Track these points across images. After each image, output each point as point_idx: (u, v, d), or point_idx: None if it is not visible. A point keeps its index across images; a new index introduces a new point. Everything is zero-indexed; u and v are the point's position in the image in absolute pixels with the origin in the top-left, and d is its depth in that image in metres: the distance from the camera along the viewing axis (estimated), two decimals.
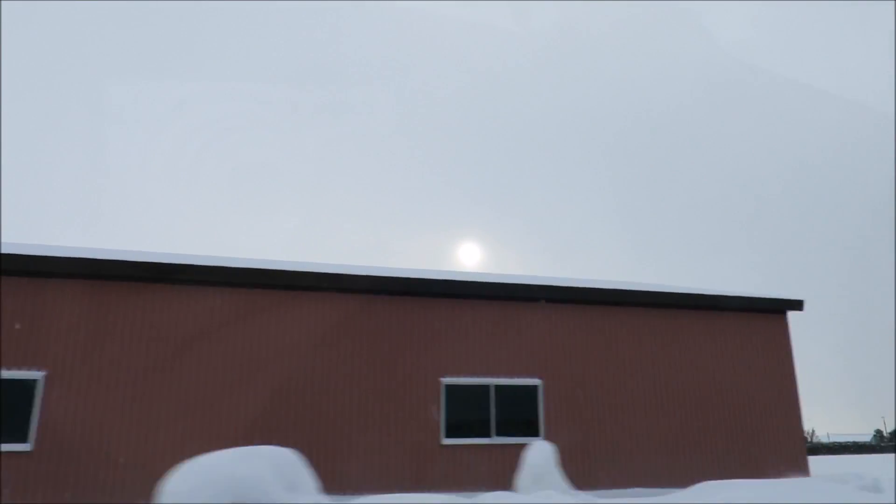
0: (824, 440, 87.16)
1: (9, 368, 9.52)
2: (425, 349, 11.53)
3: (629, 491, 11.63)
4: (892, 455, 72.28)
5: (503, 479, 11.19)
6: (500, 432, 11.40)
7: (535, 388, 11.92)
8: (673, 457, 12.51)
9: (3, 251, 9.86)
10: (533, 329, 12.26)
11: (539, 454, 7.21)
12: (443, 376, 11.47)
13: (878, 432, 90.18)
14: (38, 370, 9.66)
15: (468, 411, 11.30)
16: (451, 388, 11.39)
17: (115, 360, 10.08)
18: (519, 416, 11.58)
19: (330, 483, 10.45)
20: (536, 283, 12.42)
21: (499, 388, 11.63)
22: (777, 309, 14.12)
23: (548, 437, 11.79)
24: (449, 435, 11.18)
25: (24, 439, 9.34)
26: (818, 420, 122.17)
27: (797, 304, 14.20)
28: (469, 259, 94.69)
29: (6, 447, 9.26)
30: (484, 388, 11.53)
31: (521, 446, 11.50)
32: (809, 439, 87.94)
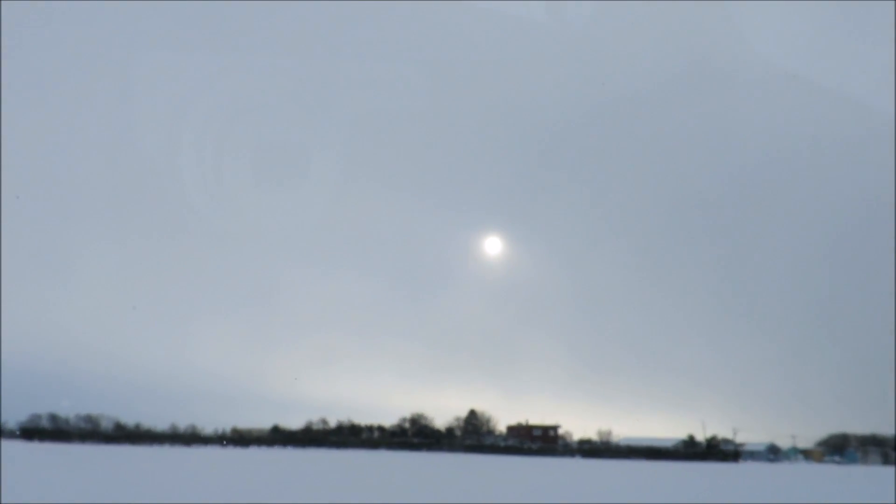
0: (622, 442, 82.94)
1: None
2: None
3: None
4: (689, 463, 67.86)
5: None
6: None
7: None
8: None
9: None
10: None
11: None
12: None
13: (690, 437, 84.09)
14: None
15: None
16: None
17: None
18: None
19: None
20: None
21: None
22: None
23: None
24: None
25: None
26: (621, 419, 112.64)
27: None
28: (492, 250, 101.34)
29: None
30: None
31: None
32: (604, 439, 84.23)
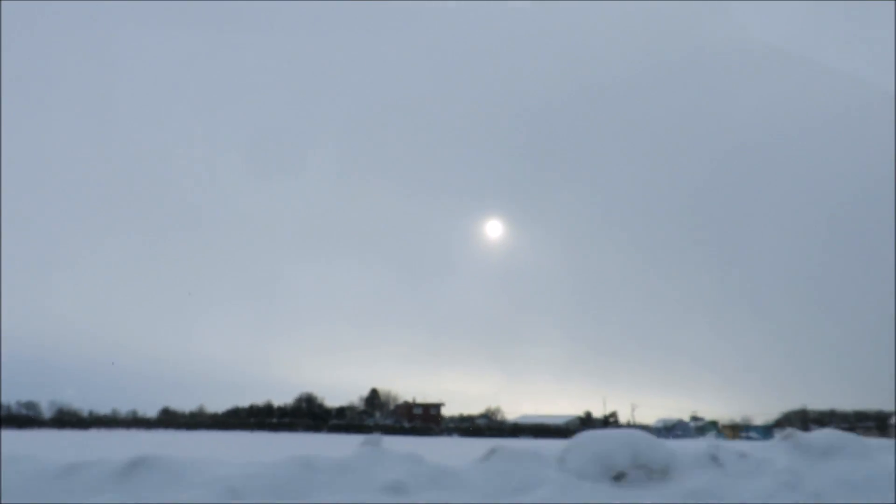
0: (514, 420, 76.93)
1: None
2: None
3: None
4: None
5: None
6: None
7: None
8: None
9: None
10: None
11: None
12: None
13: (587, 414, 77.32)
14: None
15: None
16: None
17: None
18: None
19: None
20: None
21: None
22: None
23: None
24: None
25: None
26: (520, 398, 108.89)
27: None
28: (493, 234, 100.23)
29: None
30: None
31: None
32: (494, 418, 78.39)
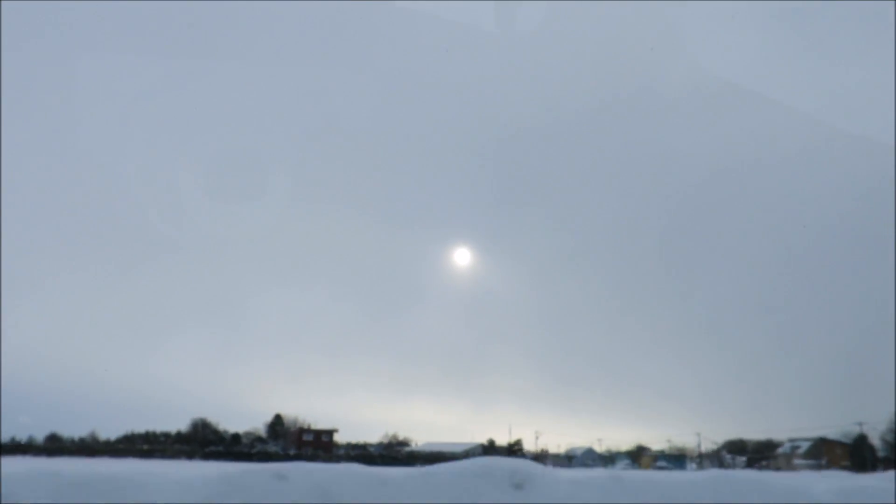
0: (412, 449, 71.54)
1: None
2: None
3: None
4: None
5: None
6: None
7: None
8: None
9: None
10: None
11: None
12: None
13: (490, 442, 71.97)
14: None
15: None
16: None
17: None
18: None
19: None
20: None
21: None
22: None
23: None
24: None
25: None
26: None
27: None
28: (461, 261, 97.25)
29: None
30: None
31: None
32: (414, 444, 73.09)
